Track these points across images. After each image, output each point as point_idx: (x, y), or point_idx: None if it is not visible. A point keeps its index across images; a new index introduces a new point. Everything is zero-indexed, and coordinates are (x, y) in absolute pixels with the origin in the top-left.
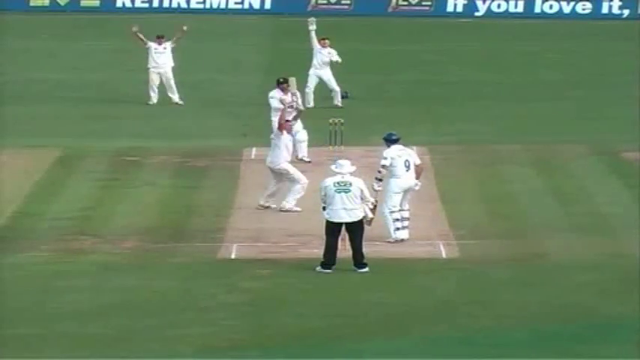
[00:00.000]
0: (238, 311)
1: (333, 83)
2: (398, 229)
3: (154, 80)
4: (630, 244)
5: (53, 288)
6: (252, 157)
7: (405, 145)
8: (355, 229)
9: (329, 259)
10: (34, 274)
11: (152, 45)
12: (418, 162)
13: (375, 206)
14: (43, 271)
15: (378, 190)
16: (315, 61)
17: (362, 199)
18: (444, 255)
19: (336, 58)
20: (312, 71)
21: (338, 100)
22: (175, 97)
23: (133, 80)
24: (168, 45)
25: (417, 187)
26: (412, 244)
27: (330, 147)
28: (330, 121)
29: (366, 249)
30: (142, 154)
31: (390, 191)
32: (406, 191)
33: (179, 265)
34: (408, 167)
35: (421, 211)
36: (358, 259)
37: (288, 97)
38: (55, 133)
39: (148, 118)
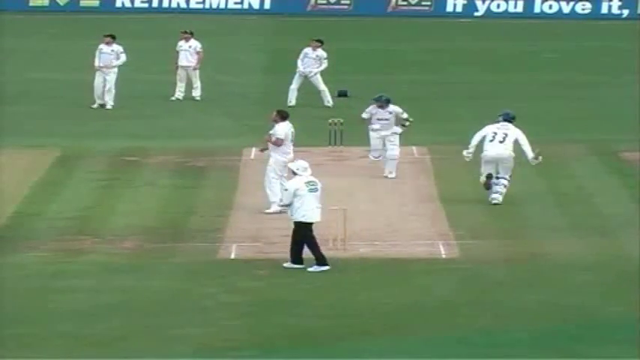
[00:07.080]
0: (238, 311)
1: (320, 84)
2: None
3: (98, 84)
4: (630, 244)
5: (53, 288)
6: (252, 157)
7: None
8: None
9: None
10: (34, 274)
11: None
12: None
13: None
14: (43, 271)
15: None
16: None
17: None
18: (443, 255)
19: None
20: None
21: (327, 101)
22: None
23: (132, 80)
24: (116, 47)
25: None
26: (412, 244)
27: (330, 147)
28: (330, 121)
29: (366, 249)
30: (141, 154)
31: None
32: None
33: (179, 265)
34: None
35: (421, 210)
36: (322, 258)
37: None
38: (54, 133)
39: (148, 118)
